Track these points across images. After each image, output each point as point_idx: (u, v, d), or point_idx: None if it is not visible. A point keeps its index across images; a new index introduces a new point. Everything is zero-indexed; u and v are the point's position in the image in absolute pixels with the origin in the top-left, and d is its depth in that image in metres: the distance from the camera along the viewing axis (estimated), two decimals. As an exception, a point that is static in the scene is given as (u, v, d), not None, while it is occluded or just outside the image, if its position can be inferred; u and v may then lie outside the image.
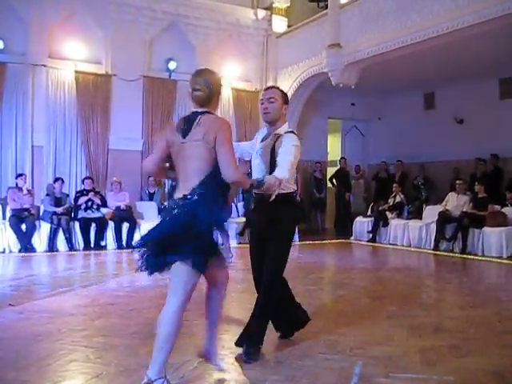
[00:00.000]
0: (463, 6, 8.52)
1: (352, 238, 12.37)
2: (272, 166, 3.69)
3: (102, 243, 10.25)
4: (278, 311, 4.01)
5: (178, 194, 3.10)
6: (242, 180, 3.22)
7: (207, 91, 3.22)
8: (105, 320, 4.81)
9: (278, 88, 4.04)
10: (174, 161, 3.23)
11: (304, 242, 11.61)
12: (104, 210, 10.37)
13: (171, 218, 3.04)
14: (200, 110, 3.21)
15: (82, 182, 10.65)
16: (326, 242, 12.04)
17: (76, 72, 11.19)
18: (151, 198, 11.31)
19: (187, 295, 3.14)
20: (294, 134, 3.86)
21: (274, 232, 3.80)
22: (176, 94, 12.26)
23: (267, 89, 4.06)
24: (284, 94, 3.97)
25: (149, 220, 10.68)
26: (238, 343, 3.94)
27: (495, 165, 11.66)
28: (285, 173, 3.55)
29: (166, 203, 3.34)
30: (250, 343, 3.80)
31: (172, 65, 12.18)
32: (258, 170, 3.87)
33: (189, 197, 3.03)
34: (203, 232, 2.96)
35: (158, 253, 3.02)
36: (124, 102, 11.60)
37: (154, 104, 11.90)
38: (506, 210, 10.16)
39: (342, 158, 14.86)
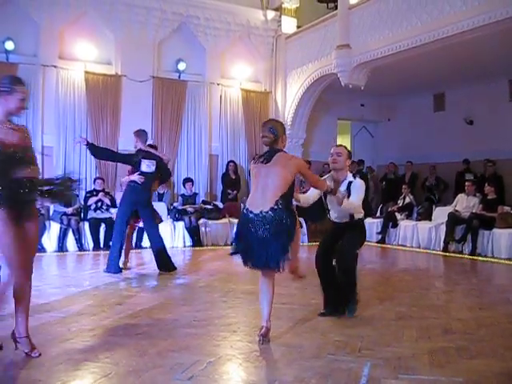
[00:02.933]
0: (473, 8, 8.50)
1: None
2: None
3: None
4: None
5: (263, 208, 4.07)
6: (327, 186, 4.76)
7: (272, 137, 4.32)
8: (114, 320, 4.83)
9: (345, 147, 5.24)
10: (254, 183, 4.34)
11: (313, 243, 11.59)
12: (114, 211, 10.39)
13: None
14: (273, 149, 4.33)
15: (94, 182, 10.70)
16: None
17: (86, 73, 11.27)
18: (160, 198, 11.35)
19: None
20: (360, 178, 5.32)
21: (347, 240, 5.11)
22: (186, 95, 12.32)
23: (337, 146, 5.27)
24: (348, 152, 5.20)
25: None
26: (326, 313, 5.06)
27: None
28: (355, 201, 4.91)
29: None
30: (352, 301, 5.06)
31: (182, 66, 12.24)
32: (334, 206, 5.09)
33: (275, 207, 4.05)
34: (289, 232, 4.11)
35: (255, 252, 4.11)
36: (134, 102, 11.65)
37: (164, 104, 11.95)
38: (516, 211, 10.14)
39: (360, 160, 14.85)
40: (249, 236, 4.12)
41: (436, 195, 12.46)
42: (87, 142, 7.36)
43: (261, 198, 4.12)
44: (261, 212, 4.05)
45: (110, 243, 8.04)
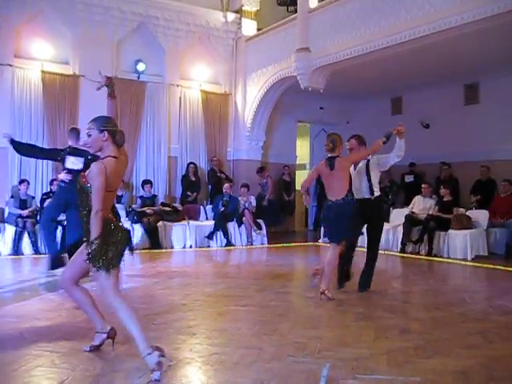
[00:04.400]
0: (429, 14, 8.69)
1: (320, 240, 12.42)
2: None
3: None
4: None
5: (335, 198, 5.92)
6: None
7: (331, 146, 6.06)
8: (71, 324, 4.73)
9: (354, 137, 6.59)
10: (325, 181, 6.08)
11: (273, 245, 11.65)
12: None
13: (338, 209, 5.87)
14: (333, 155, 6.00)
15: (50, 183, 10.46)
16: (295, 244, 12.08)
17: (43, 72, 11.04)
18: (119, 200, 11.20)
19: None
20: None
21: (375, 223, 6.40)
22: (145, 96, 12.21)
23: (349, 139, 6.56)
24: (358, 137, 6.67)
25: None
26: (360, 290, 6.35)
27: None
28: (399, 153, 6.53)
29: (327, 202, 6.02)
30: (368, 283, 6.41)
31: (141, 66, 12.12)
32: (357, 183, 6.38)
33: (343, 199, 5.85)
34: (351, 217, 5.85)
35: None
36: (92, 103, 11.36)
37: (123, 105, 11.76)
38: (470, 212, 10.38)
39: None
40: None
41: (391, 197, 12.66)
42: (11, 139, 7.16)
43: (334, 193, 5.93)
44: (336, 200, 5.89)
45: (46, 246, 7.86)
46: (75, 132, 7.51)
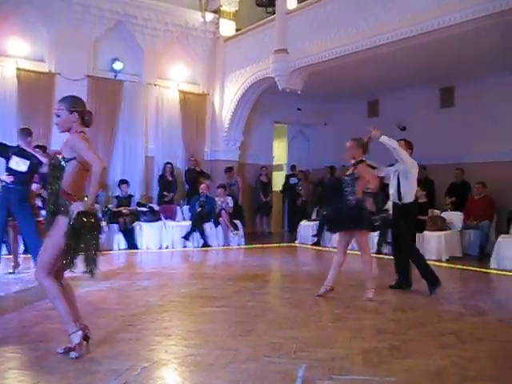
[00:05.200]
0: (406, 18, 8.77)
1: (297, 241, 12.46)
2: None
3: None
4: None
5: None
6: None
7: (350, 154, 6.22)
8: (44, 326, 4.66)
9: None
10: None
11: (249, 246, 11.65)
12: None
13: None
14: (354, 161, 6.18)
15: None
16: (271, 245, 12.10)
17: (18, 69, 10.88)
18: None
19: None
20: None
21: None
22: (122, 95, 12.11)
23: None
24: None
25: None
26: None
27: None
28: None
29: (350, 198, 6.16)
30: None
31: (118, 65, 12.01)
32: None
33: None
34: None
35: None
36: (67, 101, 11.32)
37: (99, 104, 11.66)
38: (445, 214, 10.50)
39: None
40: None
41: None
42: None
43: None
44: None
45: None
46: (25, 132, 7.26)
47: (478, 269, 8.74)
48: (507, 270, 8.54)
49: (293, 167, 15.34)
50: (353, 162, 6.27)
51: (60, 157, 3.74)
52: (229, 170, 13.22)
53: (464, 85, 12.05)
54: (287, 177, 15.31)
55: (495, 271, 8.61)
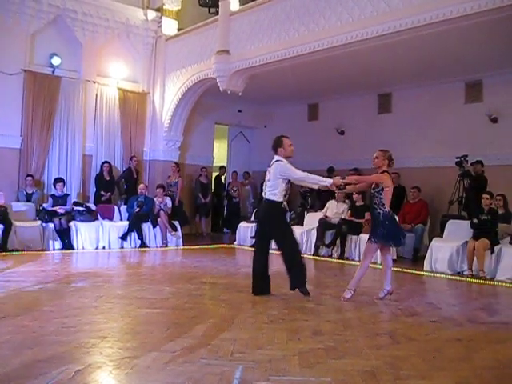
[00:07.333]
0: (347, 23, 8.95)
1: (235, 243, 12.48)
2: None
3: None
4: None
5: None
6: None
7: (379, 161, 6.29)
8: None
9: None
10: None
11: (187, 247, 11.57)
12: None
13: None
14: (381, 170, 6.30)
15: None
16: (210, 246, 12.06)
17: None
18: (29, 198, 10.76)
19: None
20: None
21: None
22: (59, 91, 11.80)
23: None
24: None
25: (26, 221, 10.17)
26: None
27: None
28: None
29: None
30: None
31: (56, 60, 11.71)
32: None
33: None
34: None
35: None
36: (2, 96, 10.94)
37: (36, 100, 11.34)
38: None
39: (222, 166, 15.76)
40: None
41: (309, 201, 12.89)
42: None
43: None
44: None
45: None
46: None
47: (412, 271, 9.02)
48: (440, 272, 8.86)
49: (221, 168, 15.70)
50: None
51: None
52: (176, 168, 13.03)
53: (401, 92, 12.42)
54: (217, 177, 15.50)
55: (428, 273, 8.92)
